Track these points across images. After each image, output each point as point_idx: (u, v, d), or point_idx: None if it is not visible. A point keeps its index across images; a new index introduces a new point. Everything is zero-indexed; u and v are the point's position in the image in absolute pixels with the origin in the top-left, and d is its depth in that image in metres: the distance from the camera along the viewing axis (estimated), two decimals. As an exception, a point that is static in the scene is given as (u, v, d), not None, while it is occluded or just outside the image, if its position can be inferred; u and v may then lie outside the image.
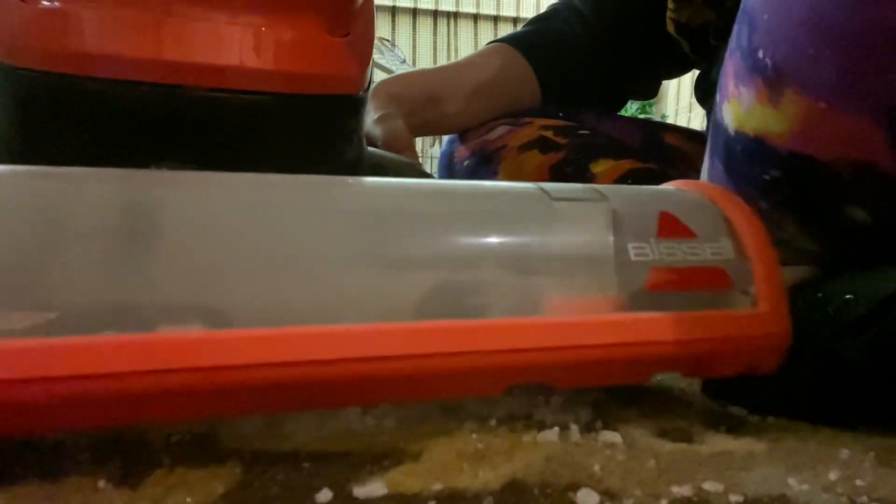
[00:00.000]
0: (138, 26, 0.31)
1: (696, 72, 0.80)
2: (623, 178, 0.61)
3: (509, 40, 0.76)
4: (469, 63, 0.75)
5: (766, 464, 0.26)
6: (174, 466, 0.24)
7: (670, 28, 0.69)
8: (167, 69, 0.31)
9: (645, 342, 0.27)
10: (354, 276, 0.26)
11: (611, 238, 0.29)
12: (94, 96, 0.31)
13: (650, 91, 0.83)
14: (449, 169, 0.73)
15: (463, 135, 0.73)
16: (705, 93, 0.71)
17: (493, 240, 0.28)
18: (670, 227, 0.30)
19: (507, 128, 0.69)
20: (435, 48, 3.02)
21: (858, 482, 0.25)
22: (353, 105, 0.36)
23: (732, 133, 0.38)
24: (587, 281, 0.28)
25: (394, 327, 0.25)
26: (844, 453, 0.28)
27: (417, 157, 0.64)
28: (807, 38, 0.31)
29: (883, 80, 0.30)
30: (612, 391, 0.34)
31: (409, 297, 0.26)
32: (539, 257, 0.28)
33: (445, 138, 0.77)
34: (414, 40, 2.98)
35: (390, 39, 2.77)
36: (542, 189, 0.30)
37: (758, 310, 0.30)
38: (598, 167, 0.63)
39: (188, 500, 0.22)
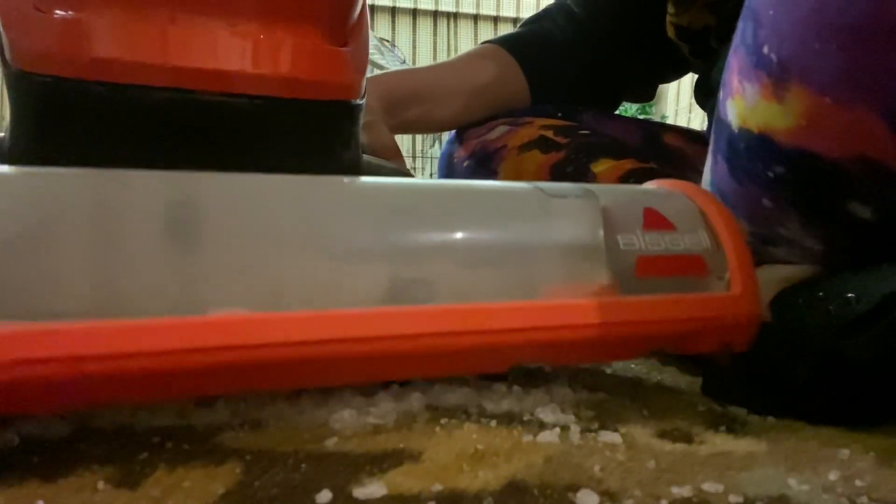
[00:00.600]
0: (149, 33, 0.33)
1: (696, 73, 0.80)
2: (625, 178, 0.61)
3: (500, 42, 0.75)
4: (457, 63, 0.75)
5: (766, 464, 0.26)
6: (174, 467, 0.24)
7: (670, 32, 0.69)
8: (178, 74, 0.33)
9: (636, 321, 0.31)
10: (373, 266, 0.29)
11: (601, 231, 0.32)
12: (107, 101, 0.33)
13: (646, 94, 0.83)
14: (449, 169, 0.73)
15: (462, 135, 0.73)
16: (706, 94, 0.71)
17: (498, 233, 0.31)
18: (654, 221, 0.34)
19: (507, 128, 0.69)
20: (435, 49, 3.02)
21: (858, 482, 0.25)
22: (351, 110, 0.38)
23: (736, 130, 0.38)
24: (582, 269, 0.32)
25: (412, 310, 0.28)
26: (844, 453, 0.28)
27: (404, 163, 0.65)
28: (812, 33, 0.31)
29: (888, 76, 0.30)
30: (612, 391, 0.34)
31: (425, 281, 0.29)
32: (538, 248, 0.31)
33: (445, 139, 0.77)
34: (414, 41, 2.99)
35: (390, 40, 2.77)
36: (538, 188, 0.33)
37: (731, 293, 0.33)
38: (599, 167, 0.63)
39: (188, 500, 0.22)
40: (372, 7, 2.76)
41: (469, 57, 0.76)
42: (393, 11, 2.95)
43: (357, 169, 0.40)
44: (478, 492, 0.23)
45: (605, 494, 0.23)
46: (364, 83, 0.39)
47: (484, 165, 0.69)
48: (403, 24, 2.98)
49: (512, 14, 3.07)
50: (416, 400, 0.31)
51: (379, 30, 2.87)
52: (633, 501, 0.23)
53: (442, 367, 0.30)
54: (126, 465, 0.24)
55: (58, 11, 0.32)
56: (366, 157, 0.44)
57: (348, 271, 0.28)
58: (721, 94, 0.40)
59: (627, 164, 0.62)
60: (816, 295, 0.34)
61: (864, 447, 0.28)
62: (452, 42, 3.03)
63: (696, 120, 2.26)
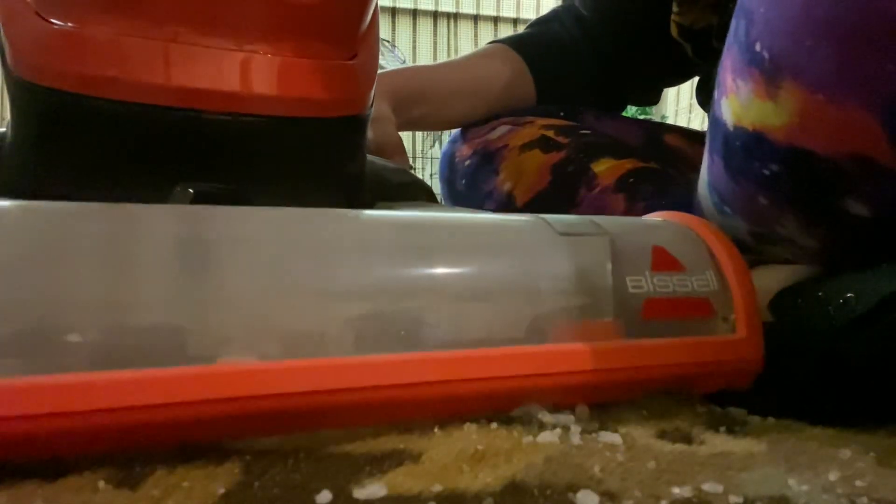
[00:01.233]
0: (152, 52, 0.32)
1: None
2: (625, 177, 0.61)
3: (508, 42, 0.76)
4: (464, 62, 0.75)
5: (766, 464, 0.26)
6: (174, 467, 0.24)
7: (674, 31, 0.69)
8: (183, 94, 0.33)
9: (641, 367, 0.31)
10: (381, 304, 0.28)
11: (609, 270, 0.32)
12: (110, 117, 0.32)
13: (650, 98, 0.83)
14: (450, 169, 0.73)
15: (464, 134, 0.73)
16: (707, 96, 0.71)
17: (503, 270, 0.31)
18: (663, 261, 0.33)
19: (509, 127, 0.69)
20: (435, 49, 3.02)
21: (858, 482, 0.25)
22: (358, 123, 0.37)
23: (731, 128, 0.38)
24: (590, 311, 0.31)
25: (415, 356, 0.27)
26: (844, 453, 0.27)
27: (408, 161, 0.65)
28: (804, 29, 0.31)
29: (881, 72, 0.30)
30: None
31: (429, 322, 0.29)
32: (545, 290, 0.31)
33: (445, 139, 0.77)
34: (414, 41, 2.99)
35: (390, 40, 2.77)
36: (545, 221, 0.33)
37: (736, 336, 0.33)
38: (600, 166, 0.63)
39: (188, 500, 0.22)
40: (372, 7, 2.75)
41: (477, 56, 0.76)
42: (393, 12, 2.95)
43: (361, 176, 0.40)
44: (478, 492, 0.23)
45: (605, 495, 0.23)
46: (373, 93, 0.38)
47: (485, 165, 0.69)
48: (403, 24, 2.98)
49: (512, 14, 3.07)
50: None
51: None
52: (633, 502, 0.23)
53: (447, 411, 0.29)
54: (126, 465, 0.24)
55: (57, 21, 0.31)
56: (369, 157, 0.43)
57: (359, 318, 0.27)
58: (716, 93, 0.40)
59: (628, 164, 0.62)
60: (815, 295, 0.34)
61: (864, 447, 0.28)
62: (452, 42, 3.03)
63: (697, 120, 2.26)
